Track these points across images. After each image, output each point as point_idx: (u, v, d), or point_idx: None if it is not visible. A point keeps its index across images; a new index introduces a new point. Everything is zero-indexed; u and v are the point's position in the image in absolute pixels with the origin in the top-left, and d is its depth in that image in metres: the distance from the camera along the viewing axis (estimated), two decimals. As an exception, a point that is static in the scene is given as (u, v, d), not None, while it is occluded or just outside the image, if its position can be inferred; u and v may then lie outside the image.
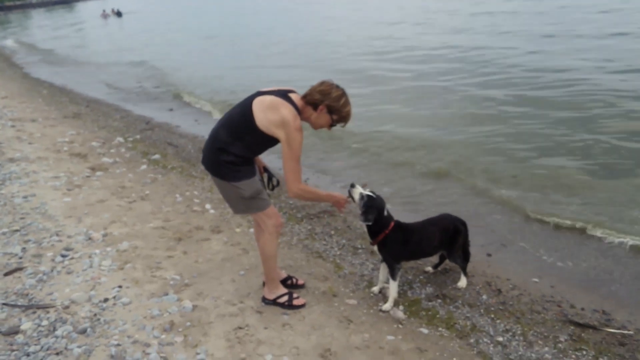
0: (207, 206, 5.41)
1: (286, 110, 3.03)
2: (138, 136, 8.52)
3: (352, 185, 3.52)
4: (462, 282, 3.88)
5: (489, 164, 6.58)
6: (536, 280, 4.04)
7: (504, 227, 5.01)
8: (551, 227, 4.97)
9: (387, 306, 3.56)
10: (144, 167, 6.79)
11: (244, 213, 3.49)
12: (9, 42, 29.63)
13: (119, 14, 50.30)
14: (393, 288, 3.56)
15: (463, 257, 3.90)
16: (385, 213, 3.53)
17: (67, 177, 6.22)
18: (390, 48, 16.03)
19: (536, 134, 7.47)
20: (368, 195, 3.45)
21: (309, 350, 3.10)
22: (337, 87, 3.15)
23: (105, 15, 50.19)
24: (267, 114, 3.04)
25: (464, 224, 3.86)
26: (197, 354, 3.06)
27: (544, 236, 4.82)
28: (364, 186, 3.61)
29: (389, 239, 3.51)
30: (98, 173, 6.46)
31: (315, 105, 3.12)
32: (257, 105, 3.07)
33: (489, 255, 4.45)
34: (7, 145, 7.53)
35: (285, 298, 3.57)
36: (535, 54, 12.81)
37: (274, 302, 3.58)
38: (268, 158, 3.71)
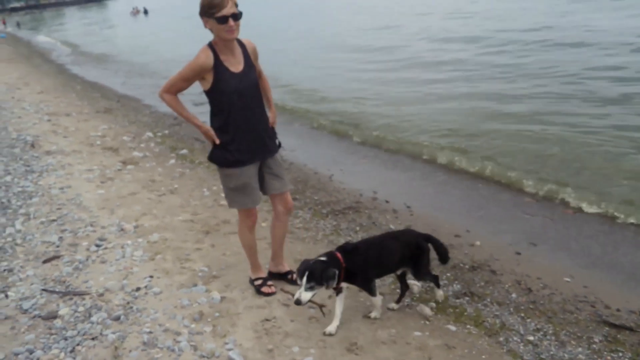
0: (236, 200, 5.49)
1: (200, 49, 3.13)
2: (167, 131, 8.69)
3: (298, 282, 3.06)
4: (439, 294, 3.59)
5: (520, 159, 6.47)
6: (568, 279, 3.97)
7: (534, 225, 4.94)
8: (585, 225, 4.88)
9: (373, 314, 3.40)
10: (172, 161, 6.92)
11: (231, 206, 3.51)
12: (44, 39, 30.45)
13: (145, 12, 51.13)
14: (376, 301, 3.34)
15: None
16: (325, 258, 3.12)
17: (100, 170, 6.39)
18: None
19: (574, 128, 7.30)
20: (312, 271, 2.97)
21: (335, 344, 3.12)
22: None
23: (135, 13, 51.06)
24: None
25: (428, 239, 3.50)
26: (226, 343, 3.12)
27: (576, 234, 4.74)
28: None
29: (350, 269, 3.16)
30: (129, 166, 6.61)
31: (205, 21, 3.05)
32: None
33: (518, 253, 4.39)
34: (44, 139, 7.77)
35: (259, 282, 3.71)
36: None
37: (252, 282, 3.75)
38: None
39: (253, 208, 3.47)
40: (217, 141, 3.25)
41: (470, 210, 5.31)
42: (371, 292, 3.28)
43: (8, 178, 6.07)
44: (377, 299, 3.34)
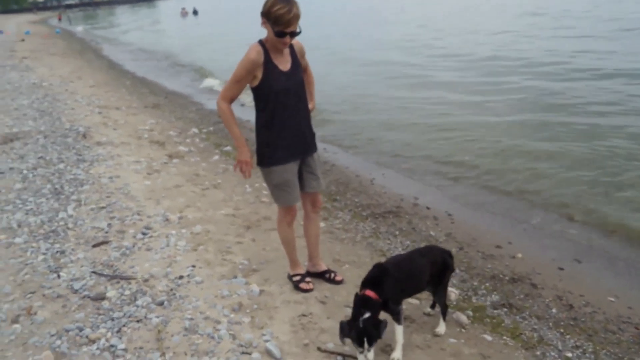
0: (276, 199, 5.60)
1: (250, 45, 3.19)
2: (211, 128, 8.92)
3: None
4: (441, 327, 3.30)
5: (567, 176, 6.33)
6: (612, 299, 3.88)
7: (580, 243, 4.82)
8: (633, 244, 4.74)
9: (396, 355, 3.02)
10: (216, 157, 7.11)
11: (277, 202, 3.61)
12: (97, 34, 31.61)
13: (195, 12, 52.35)
14: (399, 334, 3.01)
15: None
16: (368, 314, 2.83)
17: (147, 162, 6.63)
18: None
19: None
20: (369, 335, 2.78)
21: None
22: None
23: (184, 13, 52.37)
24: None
25: (451, 256, 3.36)
26: (263, 335, 3.20)
27: (624, 254, 4.60)
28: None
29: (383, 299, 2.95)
30: (175, 160, 6.83)
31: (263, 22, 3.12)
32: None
33: (561, 269, 4.31)
34: (95, 130, 8.11)
35: (298, 278, 3.78)
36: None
37: (290, 278, 3.83)
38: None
39: (294, 205, 3.56)
40: (248, 176, 3.44)
41: (513, 223, 5.25)
42: (399, 318, 3.00)
43: (61, 166, 6.36)
44: (401, 330, 2.99)
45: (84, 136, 7.73)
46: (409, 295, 3.31)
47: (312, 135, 3.53)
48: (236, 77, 3.19)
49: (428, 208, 5.59)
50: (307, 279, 3.79)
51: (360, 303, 2.87)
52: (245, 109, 10.78)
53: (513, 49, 15.56)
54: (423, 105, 10.30)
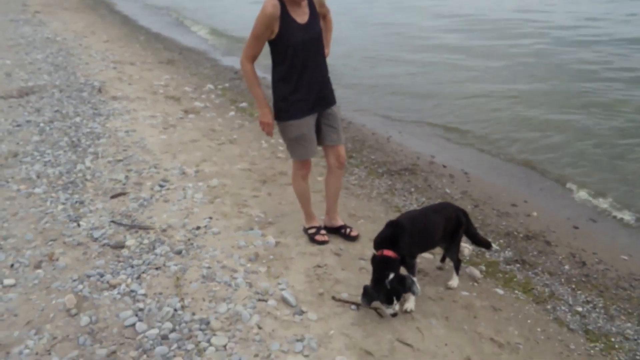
0: (291, 154, 5.61)
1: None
2: (227, 84, 8.86)
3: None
4: (454, 281, 3.35)
5: (584, 144, 6.20)
6: (625, 258, 3.89)
7: (596, 204, 4.81)
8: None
9: (409, 306, 3.08)
10: (232, 113, 7.09)
11: (292, 157, 3.62)
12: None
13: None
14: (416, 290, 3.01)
15: (480, 242, 3.48)
16: (392, 275, 2.88)
17: (162, 117, 6.64)
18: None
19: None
20: (396, 293, 2.86)
21: (384, 294, 3.21)
22: None
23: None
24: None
25: (466, 214, 3.38)
26: (279, 284, 3.27)
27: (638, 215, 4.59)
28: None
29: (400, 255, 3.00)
30: (190, 115, 6.83)
31: None
32: None
33: (576, 227, 4.32)
34: (110, 85, 8.10)
35: (313, 230, 3.81)
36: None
37: (305, 231, 3.86)
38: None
39: (309, 159, 3.57)
40: (270, 135, 3.51)
41: (530, 182, 5.23)
42: (414, 271, 3.09)
43: (77, 119, 6.40)
44: (417, 287, 2.95)
45: (100, 91, 7.73)
46: (423, 250, 3.36)
47: (330, 87, 3.49)
48: (255, 33, 3.13)
49: (444, 166, 5.57)
50: (322, 232, 3.82)
51: (383, 265, 2.90)
52: (260, 66, 10.74)
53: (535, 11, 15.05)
54: (444, 68, 10.08)
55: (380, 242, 3.01)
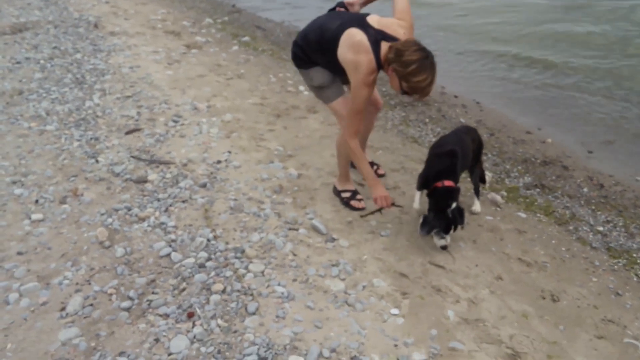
0: (301, 88, 5.51)
1: (364, 60, 2.69)
2: (226, 18, 8.57)
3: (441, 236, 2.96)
4: (477, 206, 3.40)
5: (591, 58, 6.18)
6: (640, 179, 3.97)
7: (608, 126, 4.84)
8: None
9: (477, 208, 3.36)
10: (235, 47, 6.90)
11: (320, 100, 3.29)
12: None
13: None
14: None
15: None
16: (454, 204, 2.92)
17: (165, 52, 6.45)
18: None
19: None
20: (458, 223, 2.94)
21: (411, 221, 3.28)
22: (418, 50, 2.62)
23: None
24: (347, 53, 2.75)
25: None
26: (307, 213, 3.31)
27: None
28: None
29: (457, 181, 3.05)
30: (193, 50, 6.64)
31: (388, 63, 2.69)
32: (345, 38, 2.77)
33: (591, 152, 4.36)
34: (106, 20, 7.81)
35: (348, 195, 3.47)
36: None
37: (338, 194, 3.53)
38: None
39: (343, 99, 3.13)
40: (391, 207, 3.10)
41: (542, 109, 5.22)
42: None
43: (78, 56, 6.21)
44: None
45: (96, 26, 7.45)
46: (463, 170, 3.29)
47: None
48: (359, 108, 2.83)
49: (456, 96, 5.52)
50: (359, 196, 3.47)
51: (447, 195, 2.89)
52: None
53: None
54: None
55: (440, 173, 2.95)
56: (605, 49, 6.40)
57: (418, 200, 3.23)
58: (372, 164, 3.84)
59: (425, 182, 3.04)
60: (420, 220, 2.93)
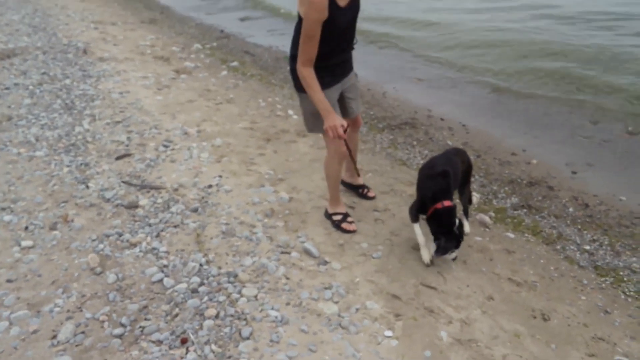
0: (290, 112, 5.58)
1: None
2: (215, 44, 8.67)
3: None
4: (466, 226, 3.43)
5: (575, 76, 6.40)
6: (623, 198, 4.05)
7: (591, 147, 4.96)
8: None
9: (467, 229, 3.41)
10: (224, 72, 6.98)
11: (310, 131, 3.24)
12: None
13: None
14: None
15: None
16: (456, 223, 2.99)
17: (154, 78, 6.50)
18: None
19: None
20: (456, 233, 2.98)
21: (402, 243, 3.31)
22: None
23: None
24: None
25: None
26: (298, 237, 3.33)
27: (632, 157, 4.75)
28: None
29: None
30: (182, 76, 6.70)
31: None
32: None
33: (575, 173, 4.45)
34: (95, 46, 7.87)
35: (339, 217, 3.47)
36: None
37: (329, 217, 3.52)
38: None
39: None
40: (332, 135, 2.89)
41: (526, 131, 5.34)
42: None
43: (67, 81, 6.24)
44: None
45: (85, 52, 7.51)
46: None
47: (352, 54, 3.20)
48: (308, 34, 2.73)
49: (442, 119, 5.63)
50: (350, 219, 3.48)
51: (450, 214, 2.93)
52: (247, 24, 10.49)
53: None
54: (429, 12, 10.03)
55: (436, 194, 2.98)
56: (586, 80, 6.60)
57: (421, 233, 3.14)
58: (362, 186, 3.88)
59: (422, 206, 3.06)
60: (434, 247, 2.96)
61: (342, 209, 3.52)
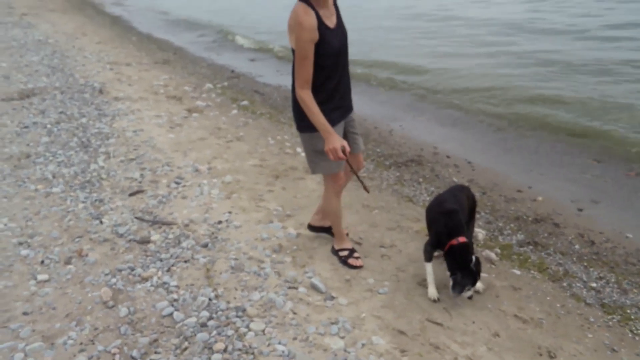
0: (298, 149, 5.71)
1: (294, 9, 2.75)
2: (226, 83, 8.94)
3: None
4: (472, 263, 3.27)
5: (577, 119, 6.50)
6: (630, 235, 4.08)
7: (596, 185, 5.03)
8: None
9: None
10: (234, 111, 7.18)
11: (314, 172, 3.29)
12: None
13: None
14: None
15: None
16: (473, 260, 3.04)
17: (167, 117, 6.71)
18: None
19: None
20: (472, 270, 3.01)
21: (408, 278, 3.35)
22: None
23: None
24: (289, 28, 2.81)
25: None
26: (306, 272, 3.39)
27: (638, 195, 4.80)
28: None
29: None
30: (194, 115, 6.90)
31: None
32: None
33: (580, 210, 4.50)
34: (111, 86, 8.14)
35: (345, 253, 3.53)
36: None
37: (336, 253, 3.58)
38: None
39: (341, 172, 3.26)
40: (333, 158, 2.91)
41: (531, 169, 5.42)
42: None
43: (84, 120, 6.45)
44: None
45: (101, 92, 7.77)
46: None
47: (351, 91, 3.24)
48: (303, 54, 2.77)
49: (448, 157, 5.73)
50: (356, 254, 3.53)
51: (466, 251, 2.99)
52: (256, 64, 10.79)
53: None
54: (435, 57, 10.29)
55: (451, 230, 3.04)
56: (594, 112, 6.73)
57: (432, 272, 3.17)
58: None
59: (438, 244, 3.12)
60: (451, 282, 3.01)
61: (349, 245, 3.59)
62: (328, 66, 2.91)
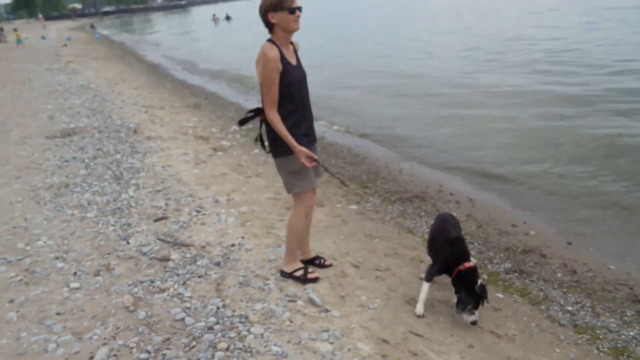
0: (311, 185, 6.17)
1: (262, 47, 3.26)
2: (250, 126, 9.53)
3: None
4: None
5: (572, 169, 6.78)
6: (612, 267, 4.34)
7: (588, 220, 5.29)
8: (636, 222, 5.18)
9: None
10: (256, 150, 7.74)
11: (289, 191, 3.70)
12: (134, 39, 32.88)
13: (228, 18, 53.52)
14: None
15: None
16: (479, 283, 3.35)
17: (194, 154, 7.30)
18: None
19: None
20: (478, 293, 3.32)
21: (398, 297, 3.69)
22: None
23: (216, 20, 53.63)
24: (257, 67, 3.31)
25: None
26: (306, 289, 3.76)
27: (626, 230, 5.05)
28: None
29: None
30: (219, 153, 7.49)
31: (267, 23, 3.29)
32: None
33: (569, 243, 4.78)
34: (144, 127, 8.86)
35: (301, 272, 3.85)
36: None
37: (290, 276, 3.87)
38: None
39: (315, 188, 3.69)
40: (309, 165, 3.42)
41: (530, 206, 5.72)
42: None
43: (118, 156, 7.09)
44: None
45: (135, 131, 8.47)
46: None
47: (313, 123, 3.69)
48: (267, 80, 3.26)
49: (451, 194, 6.09)
50: (310, 269, 3.91)
51: (472, 275, 3.33)
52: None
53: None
54: (450, 107, 10.76)
55: (459, 257, 3.39)
56: (588, 154, 7.04)
57: (427, 290, 3.51)
58: (317, 257, 4.14)
59: (446, 269, 3.44)
60: (455, 299, 3.35)
61: (300, 263, 3.92)
62: (293, 96, 3.38)
